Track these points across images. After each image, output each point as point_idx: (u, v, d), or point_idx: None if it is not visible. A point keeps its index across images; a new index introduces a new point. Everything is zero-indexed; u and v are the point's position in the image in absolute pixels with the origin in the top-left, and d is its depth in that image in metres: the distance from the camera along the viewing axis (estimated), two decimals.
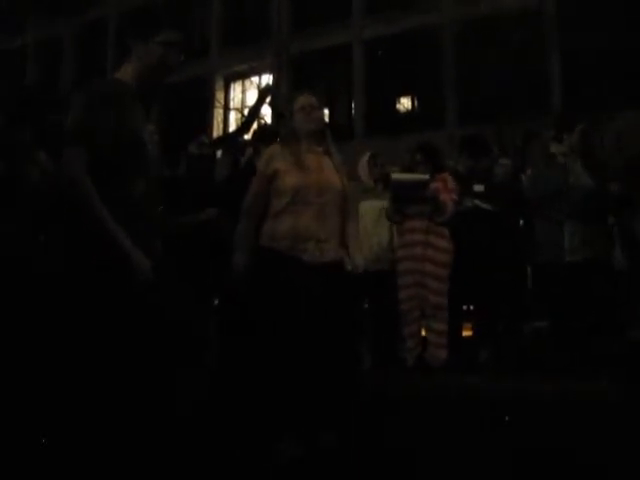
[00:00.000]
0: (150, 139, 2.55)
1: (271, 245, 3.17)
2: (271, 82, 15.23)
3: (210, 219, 4.42)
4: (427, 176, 4.88)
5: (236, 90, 17.32)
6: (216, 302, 4.90)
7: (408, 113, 15.42)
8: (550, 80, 13.16)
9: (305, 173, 3.21)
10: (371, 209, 5.29)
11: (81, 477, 2.14)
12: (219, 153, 6.73)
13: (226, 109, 17.10)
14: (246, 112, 16.03)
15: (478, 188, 5.37)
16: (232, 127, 16.51)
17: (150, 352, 2.35)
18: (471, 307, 5.35)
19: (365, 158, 5.55)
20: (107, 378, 2.26)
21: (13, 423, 2.67)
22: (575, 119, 5.01)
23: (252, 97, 16.47)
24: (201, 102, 16.71)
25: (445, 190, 4.92)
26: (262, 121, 15.41)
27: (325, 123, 3.38)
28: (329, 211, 3.22)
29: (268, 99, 15.45)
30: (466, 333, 5.36)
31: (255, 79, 16.78)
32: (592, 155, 3.70)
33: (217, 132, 16.46)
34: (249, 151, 5.15)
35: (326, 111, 16.53)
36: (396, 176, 5.04)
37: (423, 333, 5.10)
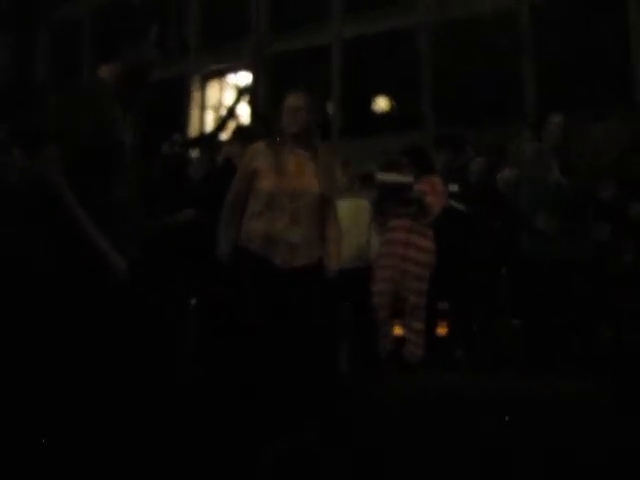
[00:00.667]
0: (129, 141, 2.54)
1: (247, 245, 3.22)
2: (249, 82, 15.25)
3: (188, 220, 4.41)
4: (411, 178, 4.87)
5: (213, 89, 17.23)
6: (193, 302, 4.89)
7: (385, 114, 15.48)
8: (524, 83, 13.32)
9: (282, 177, 3.23)
10: (348, 208, 5.30)
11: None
12: (195, 152, 6.72)
13: (203, 108, 17.02)
14: (223, 112, 16.04)
15: (452, 188, 5.40)
16: (209, 127, 16.44)
17: (131, 351, 2.35)
18: (446, 305, 5.40)
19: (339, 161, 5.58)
20: (90, 377, 2.25)
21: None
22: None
23: (229, 96, 16.45)
24: (177, 101, 16.61)
25: (432, 193, 4.90)
26: (239, 121, 15.44)
27: (310, 125, 3.38)
28: (304, 216, 3.24)
29: (246, 99, 15.42)
30: (441, 331, 5.41)
31: (232, 78, 16.73)
32: (567, 151, 3.76)
33: (194, 132, 16.38)
34: (226, 150, 5.15)
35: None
36: (380, 176, 5.02)
37: (400, 331, 5.13)
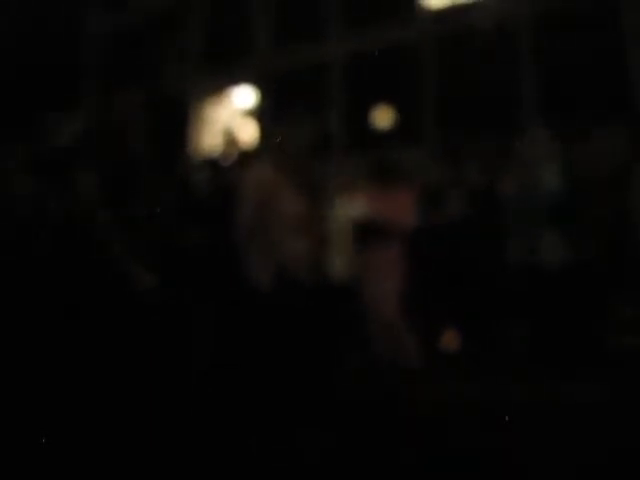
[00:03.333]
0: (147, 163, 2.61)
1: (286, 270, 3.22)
2: (252, 99, 15.37)
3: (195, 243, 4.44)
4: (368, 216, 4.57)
5: (216, 108, 17.37)
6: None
7: (387, 128, 15.57)
8: (525, 96, 13.38)
9: (299, 200, 3.25)
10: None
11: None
12: (201, 174, 6.79)
13: (207, 128, 17.13)
14: (227, 130, 16.15)
15: (455, 198, 5.44)
16: (213, 146, 16.55)
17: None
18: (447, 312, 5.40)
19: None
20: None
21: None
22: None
23: (232, 115, 16.58)
24: (179, 120, 16.75)
25: (396, 211, 4.59)
26: (243, 140, 15.55)
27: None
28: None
29: (249, 117, 15.51)
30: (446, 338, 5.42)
31: (235, 96, 16.86)
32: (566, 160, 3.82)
33: (197, 151, 16.49)
34: (228, 174, 5.21)
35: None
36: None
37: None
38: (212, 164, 14.62)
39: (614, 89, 12.06)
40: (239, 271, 3.38)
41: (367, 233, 4.29)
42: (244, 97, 16.44)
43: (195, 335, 3.98)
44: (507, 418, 3.33)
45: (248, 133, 15.63)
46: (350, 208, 4.65)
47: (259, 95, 16.02)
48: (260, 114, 15.67)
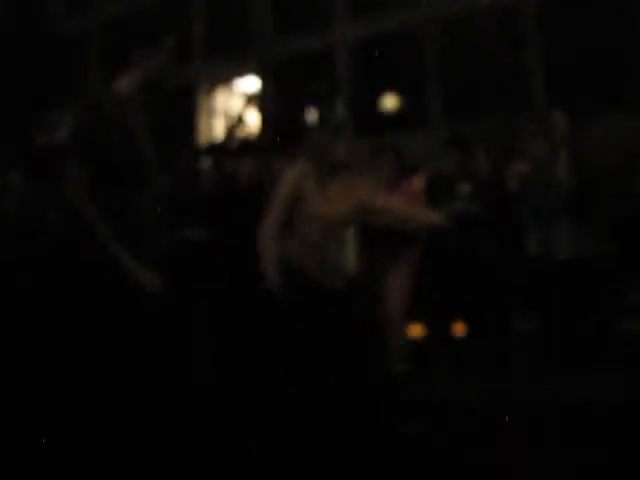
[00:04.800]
0: (150, 154, 2.53)
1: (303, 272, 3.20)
2: (256, 86, 15.24)
3: (198, 239, 4.37)
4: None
5: (220, 96, 17.25)
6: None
7: (393, 113, 15.42)
8: (531, 78, 13.20)
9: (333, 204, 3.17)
10: None
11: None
12: (206, 162, 6.69)
13: (211, 116, 17.03)
14: (232, 119, 16.06)
15: (464, 189, 5.32)
16: (218, 134, 16.46)
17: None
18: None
19: None
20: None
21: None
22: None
23: (237, 103, 16.46)
24: (185, 109, 16.63)
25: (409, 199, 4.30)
26: (247, 128, 15.45)
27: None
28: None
29: (254, 105, 15.32)
30: (458, 333, 5.32)
31: (240, 84, 16.73)
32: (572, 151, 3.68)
33: (203, 140, 16.40)
34: (229, 165, 5.11)
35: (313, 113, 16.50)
36: None
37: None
38: (216, 150, 14.52)
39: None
40: (247, 268, 3.31)
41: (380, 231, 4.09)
42: (248, 84, 16.31)
43: (197, 336, 3.93)
44: (507, 418, 3.29)
45: (252, 120, 15.53)
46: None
47: (263, 82, 15.86)
48: (264, 101, 15.54)
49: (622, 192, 4.16)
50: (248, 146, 5.11)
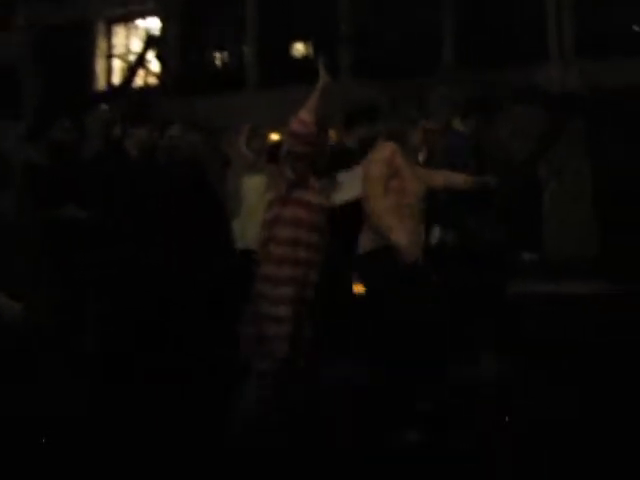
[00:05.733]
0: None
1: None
2: (158, 27, 14.35)
3: (70, 217, 3.86)
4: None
5: (119, 35, 16.17)
6: None
7: (303, 60, 14.95)
8: (442, 33, 13.10)
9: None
10: (255, 185, 4.96)
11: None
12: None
13: (109, 57, 15.96)
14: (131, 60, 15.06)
15: None
16: (116, 76, 15.50)
17: None
18: None
19: (245, 129, 5.15)
20: None
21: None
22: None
23: (137, 43, 15.41)
24: (80, 49, 15.49)
25: None
26: (149, 71, 14.57)
27: None
28: None
29: (156, 46, 14.40)
30: None
31: (140, 23, 15.72)
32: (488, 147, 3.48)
33: (99, 83, 15.42)
34: (116, 131, 4.61)
35: (217, 56, 15.77)
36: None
37: None
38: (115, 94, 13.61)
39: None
40: None
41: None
42: (150, 26, 15.31)
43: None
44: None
45: (154, 63, 14.64)
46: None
47: (166, 24, 14.92)
48: (166, 44, 14.64)
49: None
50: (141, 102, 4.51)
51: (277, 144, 5.61)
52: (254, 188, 4.92)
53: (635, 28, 12.14)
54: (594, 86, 9.92)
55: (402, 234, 3.18)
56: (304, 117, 3.14)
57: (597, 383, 3.96)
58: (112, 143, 4.55)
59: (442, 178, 3.69)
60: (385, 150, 3.42)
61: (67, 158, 4.04)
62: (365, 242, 3.39)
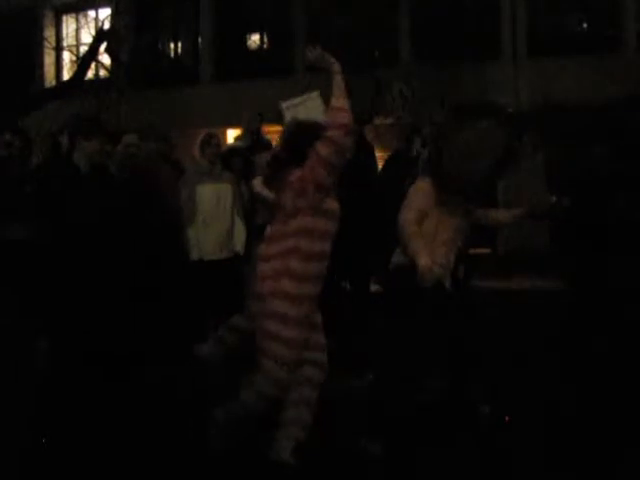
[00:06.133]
0: None
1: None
2: (109, 18, 13.91)
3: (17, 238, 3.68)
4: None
5: (69, 26, 15.66)
6: None
7: (259, 53, 14.74)
8: (399, 30, 13.10)
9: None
10: (209, 194, 4.90)
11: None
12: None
13: (58, 49, 15.43)
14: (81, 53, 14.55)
15: None
16: (65, 70, 15.01)
17: None
18: None
19: (200, 137, 5.06)
20: None
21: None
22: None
23: (88, 35, 14.93)
24: (27, 40, 14.93)
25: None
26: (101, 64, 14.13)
27: None
28: None
29: (107, 38, 13.91)
30: None
31: (91, 13, 15.24)
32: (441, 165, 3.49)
33: (48, 75, 14.92)
34: (64, 141, 4.43)
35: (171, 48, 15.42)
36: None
37: None
38: (65, 90, 13.12)
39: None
40: None
41: None
42: (102, 13, 14.85)
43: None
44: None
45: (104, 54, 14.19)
46: None
47: (116, 12, 14.48)
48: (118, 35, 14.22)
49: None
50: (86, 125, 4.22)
51: (231, 150, 5.55)
52: (208, 196, 4.87)
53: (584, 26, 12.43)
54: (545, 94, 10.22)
55: (426, 258, 3.08)
56: (341, 104, 2.91)
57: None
58: (59, 156, 4.37)
59: (483, 215, 3.67)
60: (425, 186, 3.44)
61: (11, 174, 3.82)
62: (397, 255, 3.41)
